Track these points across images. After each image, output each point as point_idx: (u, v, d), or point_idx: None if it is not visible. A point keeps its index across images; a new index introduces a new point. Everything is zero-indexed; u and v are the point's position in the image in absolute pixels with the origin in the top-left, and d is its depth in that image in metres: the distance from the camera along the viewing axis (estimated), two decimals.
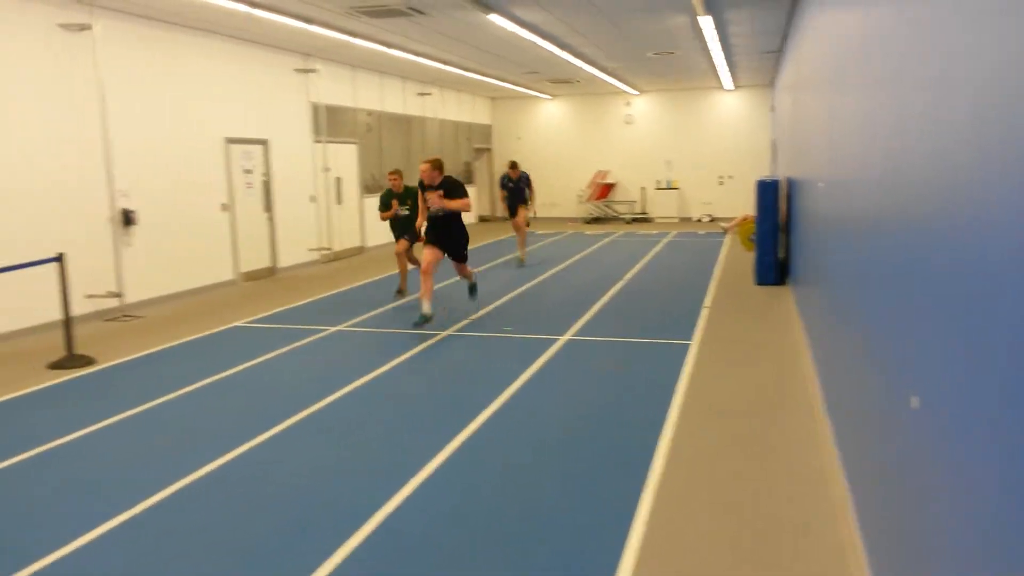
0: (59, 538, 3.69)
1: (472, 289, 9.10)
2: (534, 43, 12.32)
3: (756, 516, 3.83)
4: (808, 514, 3.84)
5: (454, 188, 8.12)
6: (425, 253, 8.16)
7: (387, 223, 10.24)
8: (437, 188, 8.10)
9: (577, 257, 13.93)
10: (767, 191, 10.44)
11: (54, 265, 7.22)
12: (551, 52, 13.35)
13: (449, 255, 8.34)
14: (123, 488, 4.26)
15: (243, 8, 9.10)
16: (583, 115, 22.03)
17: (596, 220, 21.23)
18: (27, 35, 8.35)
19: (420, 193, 8.47)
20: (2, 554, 3.56)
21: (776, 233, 10.35)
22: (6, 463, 4.68)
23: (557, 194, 22.11)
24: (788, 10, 10.37)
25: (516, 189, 12.98)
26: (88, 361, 7.05)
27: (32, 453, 4.84)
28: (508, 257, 13.96)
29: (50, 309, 7.64)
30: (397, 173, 10.05)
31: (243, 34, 11.44)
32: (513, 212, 13.06)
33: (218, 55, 11.40)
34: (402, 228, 9.92)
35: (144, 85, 9.95)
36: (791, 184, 9.77)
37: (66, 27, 8.72)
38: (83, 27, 8.86)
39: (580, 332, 7.88)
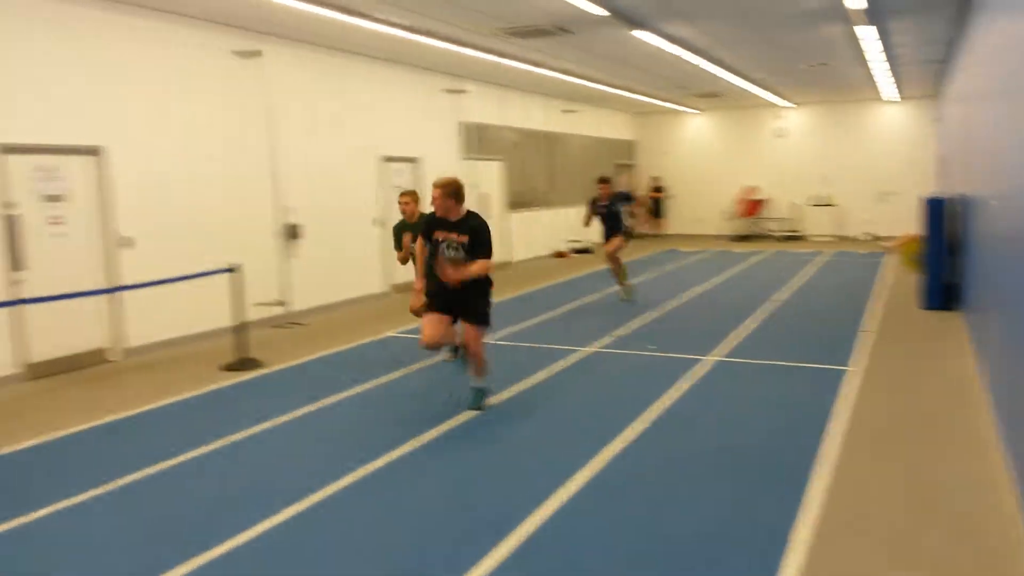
0: (231, 529, 3.97)
1: (478, 396, 5.99)
2: (680, 57, 12.17)
3: (927, 559, 3.58)
4: (987, 560, 3.55)
5: (480, 238, 5.66)
6: (425, 325, 5.82)
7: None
8: (455, 229, 5.70)
9: (724, 276, 13.57)
10: (935, 209, 9.77)
11: (226, 274, 7.84)
12: (698, 66, 13.13)
13: (461, 317, 5.87)
14: (285, 486, 4.54)
15: (400, 33, 9.56)
16: (731, 129, 21.48)
17: (744, 238, 20.58)
18: (206, 61, 9.16)
19: (423, 233, 5.97)
20: (179, 543, 3.89)
21: (944, 254, 9.65)
22: (183, 457, 5.11)
23: (703, 210, 21.62)
24: (955, 18, 9.70)
25: (610, 213, 10.64)
26: (257, 364, 7.59)
27: (209, 448, 5.26)
28: (645, 277, 13.80)
29: (222, 315, 8.28)
30: (410, 195, 7.62)
31: (398, 57, 11.99)
32: (608, 239, 10.80)
33: (375, 78, 12.03)
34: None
35: (308, 106, 10.65)
36: (963, 201, 9.10)
37: (240, 54, 9.49)
38: (254, 53, 9.60)
39: (727, 353, 7.66)
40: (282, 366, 7.63)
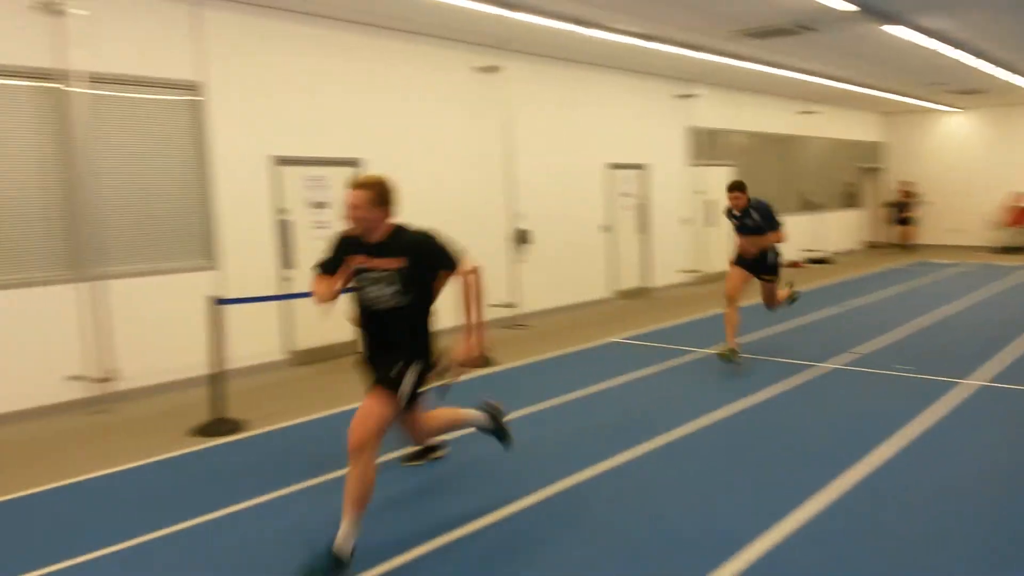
0: (442, 523, 4.21)
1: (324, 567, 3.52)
2: (937, 52, 11.09)
3: None
4: None
5: (433, 252, 3.96)
6: (364, 404, 3.81)
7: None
8: (380, 252, 3.88)
9: (986, 291, 12.15)
10: None
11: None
12: (958, 60, 11.88)
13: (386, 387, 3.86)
14: (511, 480, 4.72)
15: (635, 41, 9.60)
16: (997, 128, 19.18)
17: (1012, 249, 18.28)
18: (450, 77, 9.80)
19: (327, 263, 4.12)
20: (410, 523, 4.17)
21: None
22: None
23: (962, 219, 19.49)
24: None
25: (749, 227, 7.61)
26: (488, 362, 7.98)
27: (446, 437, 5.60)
28: (892, 292, 12.70)
29: (457, 314, 8.76)
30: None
31: (628, 65, 12.04)
32: (747, 265, 7.64)
33: (604, 86, 12.17)
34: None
35: (540, 116, 11.02)
36: None
37: (481, 69, 10.03)
38: (494, 69, 10.11)
39: (992, 377, 6.86)
40: (510, 365, 7.94)
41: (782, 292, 8.16)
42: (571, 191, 11.58)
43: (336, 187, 8.61)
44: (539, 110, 11.00)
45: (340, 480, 4.77)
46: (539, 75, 10.99)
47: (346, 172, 8.69)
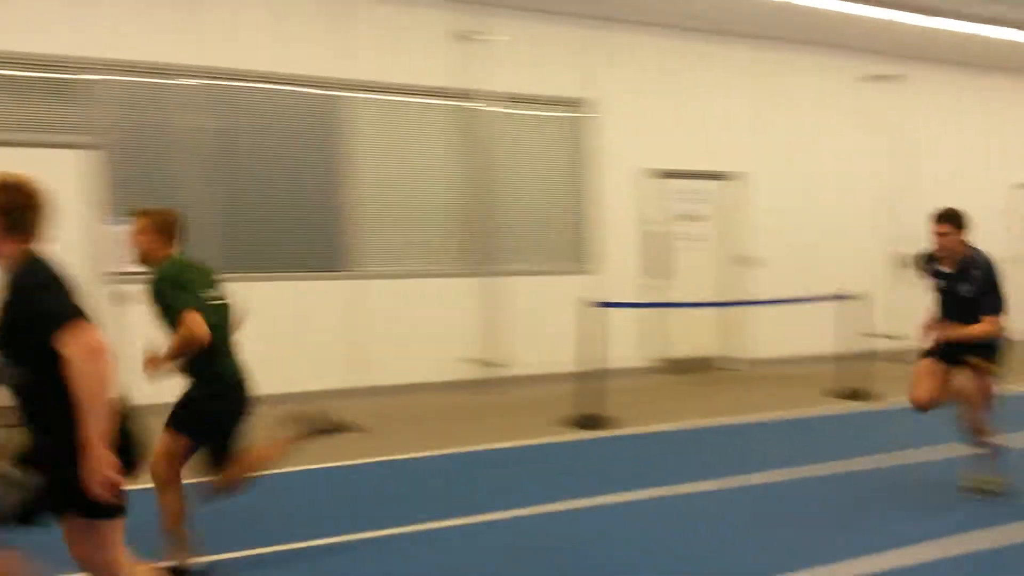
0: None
1: None
2: None
3: None
4: None
5: (28, 299, 2.19)
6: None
7: None
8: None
9: None
10: None
11: (840, 301, 7.71)
12: None
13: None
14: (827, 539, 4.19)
15: None
16: None
17: None
18: (835, 87, 9.31)
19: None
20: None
21: None
22: (782, 473, 5.12)
23: None
24: None
25: (952, 292, 4.60)
26: (863, 395, 7.32)
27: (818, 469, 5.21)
28: None
29: (832, 341, 8.16)
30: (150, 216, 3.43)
31: None
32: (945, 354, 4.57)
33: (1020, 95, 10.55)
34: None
35: (948, 131, 9.95)
36: None
37: (870, 78, 9.28)
38: (886, 77, 9.30)
39: None
40: (889, 404, 7.16)
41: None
42: (972, 214, 10.16)
43: (711, 200, 8.60)
44: (937, 122, 9.92)
45: (702, 493, 4.66)
46: (937, 83, 9.94)
47: (723, 185, 8.65)
